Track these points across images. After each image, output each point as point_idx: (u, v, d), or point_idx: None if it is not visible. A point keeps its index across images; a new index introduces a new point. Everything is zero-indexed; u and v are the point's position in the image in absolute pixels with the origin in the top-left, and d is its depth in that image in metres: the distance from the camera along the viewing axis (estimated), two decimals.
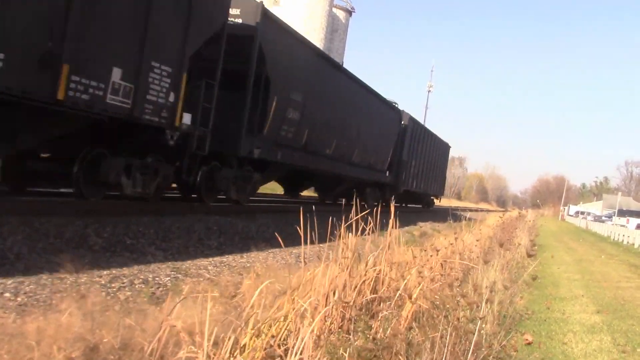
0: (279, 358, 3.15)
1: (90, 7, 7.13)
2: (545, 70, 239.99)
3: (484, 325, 4.95)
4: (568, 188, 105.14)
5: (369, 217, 5.11)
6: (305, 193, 23.75)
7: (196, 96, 9.85)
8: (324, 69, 15.79)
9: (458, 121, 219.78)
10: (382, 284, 4.98)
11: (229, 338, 3.13)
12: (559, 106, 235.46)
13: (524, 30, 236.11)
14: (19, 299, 4.76)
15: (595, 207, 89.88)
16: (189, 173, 10.51)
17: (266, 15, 11.87)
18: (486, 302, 5.24)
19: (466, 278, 7.70)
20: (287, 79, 13.06)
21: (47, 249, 6.30)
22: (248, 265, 7.82)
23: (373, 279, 4.89)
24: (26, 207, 7.69)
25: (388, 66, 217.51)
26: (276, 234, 4.30)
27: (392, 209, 5.46)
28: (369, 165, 21.17)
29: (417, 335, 4.29)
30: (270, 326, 3.56)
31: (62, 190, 9.64)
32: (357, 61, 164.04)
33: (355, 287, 4.60)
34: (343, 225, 4.73)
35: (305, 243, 4.14)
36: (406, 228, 17.22)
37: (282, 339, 3.53)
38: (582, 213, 76.42)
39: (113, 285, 5.60)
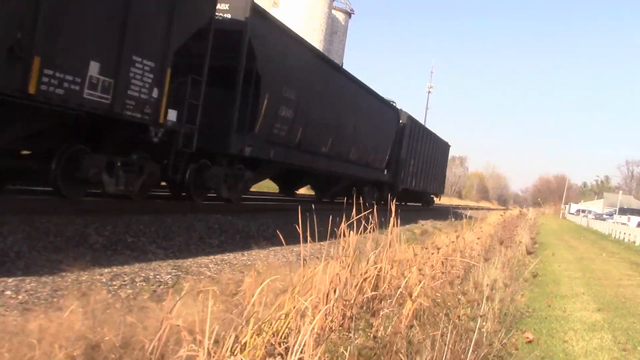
0: (280, 356, 3.15)
1: None
2: (545, 70, 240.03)
3: (484, 323, 4.95)
4: (569, 187, 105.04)
5: (370, 216, 5.10)
6: (302, 191, 23.76)
7: (183, 92, 9.66)
8: (318, 67, 15.59)
9: (458, 121, 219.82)
10: (383, 281, 4.98)
11: (230, 336, 3.12)
12: (559, 106, 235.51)
13: (524, 30, 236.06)
14: (20, 296, 4.76)
15: (596, 206, 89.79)
16: (176, 171, 10.28)
17: (256, 10, 11.70)
18: (487, 300, 5.25)
19: (467, 276, 7.70)
20: (279, 76, 12.85)
21: (48, 247, 6.30)
22: (249, 263, 7.82)
23: (374, 277, 4.89)
24: (27, 206, 7.69)
25: (388, 67, 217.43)
26: (278, 231, 4.30)
27: (393, 207, 5.46)
28: (367, 163, 21.10)
29: (417, 333, 4.29)
30: (271, 324, 3.56)
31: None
32: (356, 62, 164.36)
33: (356, 285, 4.60)
34: (344, 224, 4.73)
35: (305, 241, 4.14)
36: (407, 226, 17.22)
37: (283, 337, 3.53)
38: (583, 211, 76.36)
39: (114, 283, 5.60)
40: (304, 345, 3.08)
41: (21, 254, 5.86)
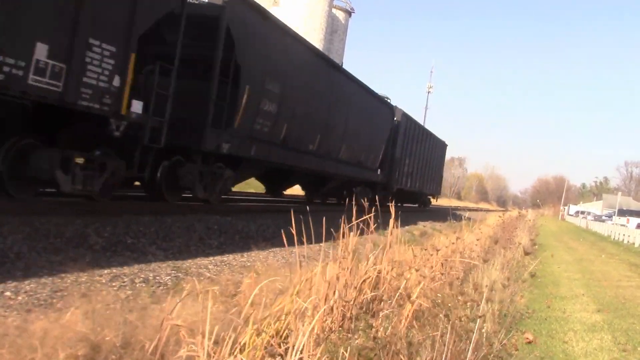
0: (280, 357, 3.15)
1: None
2: (545, 70, 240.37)
3: (484, 324, 4.95)
4: (568, 188, 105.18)
5: (369, 217, 5.10)
6: (294, 192, 23.16)
7: (151, 82, 8.90)
8: (305, 58, 14.44)
9: (458, 121, 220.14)
10: (383, 283, 4.98)
11: (229, 337, 3.13)
12: (559, 106, 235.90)
13: (524, 30, 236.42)
14: (19, 297, 4.76)
15: (595, 207, 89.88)
16: (142, 168, 9.31)
17: None
18: (486, 301, 5.25)
19: (467, 277, 7.70)
20: (260, 67, 11.82)
21: (47, 248, 6.29)
22: (249, 264, 7.82)
23: (374, 278, 4.90)
24: (26, 207, 7.68)
25: (388, 66, 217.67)
26: (282, 232, 4.28)
27: (393, 208, 5.46)
28: (359, 162, 20.07)
29: (417, 334, 4.29)
30: (270, 325, 3.56)
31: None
32: (356, 62, 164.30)
33: (356, 286, 4.61)
34: (343, 225, 4.73)
35: (302, 243, 4.13)
36: (406, 227, 17.22)
37: (282, 338, 3.54)
38: (582, 213, 76.44)
39: (114, 284, 5.59)
40: (303, 346, 3.08)
41: (21, 255, 5.86)
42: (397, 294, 4.77)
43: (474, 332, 4.09)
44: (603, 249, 24.63)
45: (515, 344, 5.52)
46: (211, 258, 7.87)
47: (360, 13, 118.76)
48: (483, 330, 4.81)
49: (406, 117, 25.23)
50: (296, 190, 22.61)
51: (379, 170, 22.83)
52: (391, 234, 5.53)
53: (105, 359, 3.35)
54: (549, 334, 6.58)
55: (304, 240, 4.33)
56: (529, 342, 5.93)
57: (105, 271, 5.97)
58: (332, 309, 4.24)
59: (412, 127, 26.77)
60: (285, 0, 49.40)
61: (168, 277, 6.32)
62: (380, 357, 3.68)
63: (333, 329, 4.13)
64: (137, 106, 8.36)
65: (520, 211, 41.68)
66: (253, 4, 11.58)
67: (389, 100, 23.28)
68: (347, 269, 4.56)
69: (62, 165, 7.65)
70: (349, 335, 4.03)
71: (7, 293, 4.79)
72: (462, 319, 4.40)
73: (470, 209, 50.20)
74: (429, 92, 74.26)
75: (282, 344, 3.36)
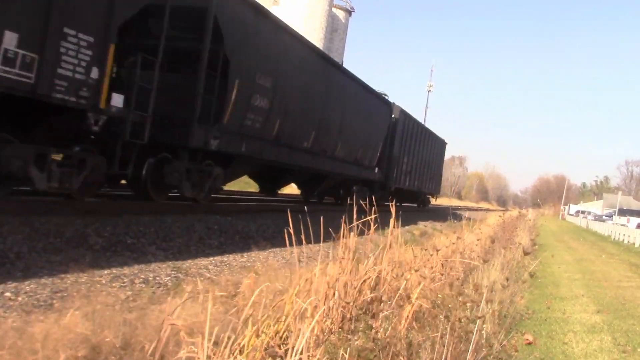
0: (280, 358, 3.15)
1: None
2: (545, 70, 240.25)
3: (484, 325, 4.95)
4: (568, 187, 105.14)
5: (369, 216, 5.10)
6: (293, 191, 22.69)
7: (133, 75, 8.56)
8: (299, 53, 13.89)
9: (458, 121, 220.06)
10: (383, 283, 4.98)
11: (229, 338, 3.13)
12: (559, 106, 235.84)
13: (524, 30, 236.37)
14: (19, 298, 4.76)
15: (596, 207, 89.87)
16: (124, 165, 8.88)
17: None
18: (486, 302, 5.25)
19: (467, 278, 7.70)
20: (251, 61, 11.35)
21: (47, 248, 6.30)
22: (249, 264, 7.83)
23: (373, 279, 4.89)
24: (26, 207, 7.68)
25: (388, 66, 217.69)
26: (284, 232, 4.28)
27: (393, 208, 5.46)
28: (355, 160, 19.50)
29: (417, 335, 4.29)
30: (270, 326, 3.56)
31: None
32: (357, 61, 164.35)
33: (356, 286, 4.61)
34: (344, 225, 4.73)
35: (301, 243, 4.13)
36: (406, 227, 17.22)
37: (282, 339, 3.53)
38: (583, 212, 76.44)
39: (114, 284, 5.60)
40: (303, 347, 3.08)
41: (21, 255, 5.86)
42: (397, 295, 4.77)
43: (473, 333, 4.09)
44: (603, 249, 24.63)
45: (515, 345, 5.52)
46: (211, 258, 7.88)
47: (361, 12, 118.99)
48: (483, 332, 4.81)
49: (404, 115, 24.67)
50: (294, 190, 22.40)
51: (376, 168, 22.29)
52: (391, 234, 5.52)
53: None
54: (549, 335, 6.59)
55: (303, 240, 4.33)
56: (529, 343, 5.94)
57: (105, 271, 5.97)
58: (331, 309, 4.24)
59: (411, 124, 26.14)
60: None
61: (168, 278, 6.33)
62: (380, 358, 3.68)
63: (333, 330, 4.13)
64: (117, 100, 8.02)
65: (520, 211, 41.71)
66: None
67: (386, 97, 22.63)
68: (348, 269, 4.56)
69: (36, 162, 7.29)
70: (349, 336, 4.03)
71: (7, 294, 4.79)
72: (462, 320, 4.40)
73: (470, 209, 50.20)
74: (429, 91, 74.21)
75: (281, 345, 3.36)
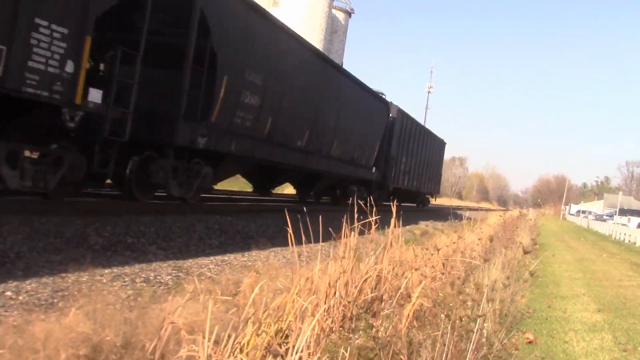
0: (280, 357, 3.15)
1: None
2: (545, 70, 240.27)
3: (485, 324, 4.95)
4: (569, 187, 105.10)
5: (370, 216, 5.10)
6: (291, 191, 22.25)
7: (112, 69, 8.25)
8: (292, 49, 13.40)
9: (458, 121, 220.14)
10: (384, 282, 4.98)
11: (230, 337, 3.13)
12: (559, 106, 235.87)
13: (524, 30, 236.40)
14: (20, 297, 4.76)
15: (597, 207, 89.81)
16: (104, 164, 8.47)
17: None
18: (487, 301, 5.25)
19: (468, 277, 7.70)
20: (240, 56, 10.96)
21: (48, 248, 6.30)
22: (249, 264, 7.83)
23: (374, 278, 4.89)
24: (26, 207, 7.68)
25: (388, 66, 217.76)
26: (288, 230, 4.28)
27: (394, 208, 5.46)
28: (352, 160, 19.14)
29: (418, 333, 4.29)
30: (271, 325, 3.56)
31: None
32: (357, 62, 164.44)
33: (357, 285, 4.61)
34: (345, 225, 4.73)
35: (300, 243, 4.13)
36: (407, 227, 17.22)
37: (283, 338, 3.54)
38: (584, 212, 76.40)
39: (114, 284, 5.60)
40: (303, 346, 3.08)
41: (21, 255, 5.87)
42: (398, 294, 4.77)
43: (474, 332, 4.09)
44: (604, 248, 24.62)
45: (515, 343, 5.52)
46: (212, 258, 7.88)
47: (360, 13, 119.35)
48: (483, 330, 4.81)
49: (402, 114, 24.35)
50: (291, 189, 22.20)
51: (374, 168, 21.93)
52: (392, 233, 5.52)
53: (106, 359, 3.36)
54: (550, 333, 6.58)
55: (302, 239, 4.33)
56: (530, 342, 5.93)
57: (106, 271, 5.98)
58: (332, 308, 4.24)
59: (409, 124, 25.93)
60: (285, 0, 49.40)
61: (169, 277, 6.33)
62: (380, 357, 3.68)
63: (333, 328, 4.13)
64: (95, 95, 7.66)
65: (521, 210, 41.71)
66: None
67: (383, 96, 22.37)
68: (349, 268, 4.56)
69: (8, 160, 7.01)
70: (350, 335, 4.03)
71: (8, 293, 4.80)
72: (463, 319, 4.40)
73: (471, 209, 50.14)
74: (429, 92, 74.24)
75: (282, 344, 3.36)
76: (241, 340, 3.25)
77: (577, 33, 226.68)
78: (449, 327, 3.99)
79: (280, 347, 3.26)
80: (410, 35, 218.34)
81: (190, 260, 7.46)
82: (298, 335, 3.17)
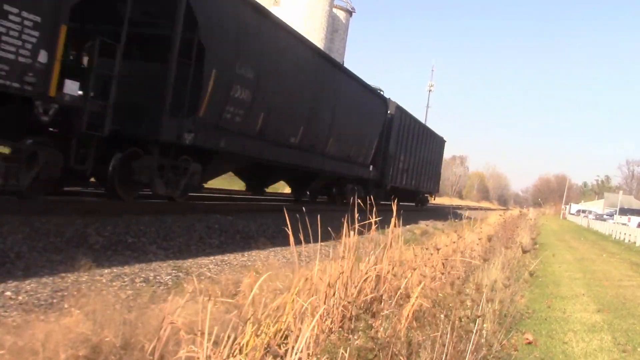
0: (280, 358, 3.15)
1: None
2: (545, 70, 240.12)
3: (484, 325, 4.95)
4: (569, 187, 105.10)
5: (370, 215, 5.10)
6: (288, 190, 21.58)
7: (91, 60, 7.90)
8: (285, 43, 12.85)
9: (459, 120, 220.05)
10: (383, 282, 4.98)
11: (229, 337, 3.13)
12: (560, 106, 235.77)
13: (524, 30, 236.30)
14: (20, 297, 4.77)
15: (597, 206, 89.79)
16: (82, 160, 8.00)
17: None
18: (486, 301, 5.25)
19: (468, 277, 7.70)
20: (230, 49, 10.51)
21: (48, 248, 6.31)
22: (249, 263, 7.84)
23: (374, 278, 4.89)
24: (26, 207, 7.68)
25: (388, 66, 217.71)
26: (285, 230, 4.28)
27: (395, 207, 5.46)
28: (348, 157, 18.57)
29: (417, 334, 4.29)
30: (270, 325, 3.56)
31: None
32: (357, 61, 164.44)
33: (356, 285, 4.61)
34: (345, 224, 4.73)
35: (300, 243, 4.13)
36: (407, 227, 17.22)
37: (282, 338, 3.54)
38: (584, 211, 76.40)
39: (114, 284, 5.61)
40: (302, 347, 3.08)
41: (21, 255, 5.87)
42: (398, 294, 4.77)
43: (473, 333, 4.09)
44: (604, 248, 24.61)
45: (515, 344, 5.51)
46: (212, 257, 7.89)
47: (361, 13, 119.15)
48: (483, 331, 4.81)
49: (400, 111, 23.65)
50: (288, 188, 21.71)
51: (371, 166, 21.34)
52: (392, 233, 5.52)
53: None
54: (549, 334, 6.58)
55: (302, 239, 4.33)
56: (529, 343, 5.93)
57: (106, 271, 5.98)
58: (332, 308, 4.24)
59: (408, 121, 25.23)
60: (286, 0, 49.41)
61: (168, 277, 6.33)
62: (379, 357, 3.68)
63: (333, 329, 4.13)
64: (71, 87, 7.27)
65: (521, 210, 41.70)
66: None
67: (381, 92, 21.68)
68: (348, 268, 4.56)
69: None
70: (349, 335, 4.03)
71: (8, 293, 4.80)
72: (462, 319, 4.40)
73: (471, 208, 50.18)
74: (430, 91, 74.16)
75: (281, 345, 3.37)
76: (240, 341, 3.25)
77: (577, 33, 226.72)
78: (449, 328, 3.99)
79: (280, 348, 3.26)
80: (410, 34, 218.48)
81: (190, 260, 7.46)
82: (297, 336, 3.17)
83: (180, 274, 6.56)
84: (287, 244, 4.92)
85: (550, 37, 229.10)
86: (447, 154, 38.84)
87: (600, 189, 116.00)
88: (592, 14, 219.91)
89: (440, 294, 5.41)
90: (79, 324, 3.63)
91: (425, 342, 4.00)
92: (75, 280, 5.41)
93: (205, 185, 13.29)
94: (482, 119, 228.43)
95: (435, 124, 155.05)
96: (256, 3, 11.62)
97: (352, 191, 20.01)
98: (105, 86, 8.11)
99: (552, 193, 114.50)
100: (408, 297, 4.57)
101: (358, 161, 19.78)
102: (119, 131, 8.41)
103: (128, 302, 4.99)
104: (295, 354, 3.07)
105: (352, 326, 4.17)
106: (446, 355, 3.78)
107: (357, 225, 4.79)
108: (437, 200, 39.32)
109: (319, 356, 3.28)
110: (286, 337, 3.53)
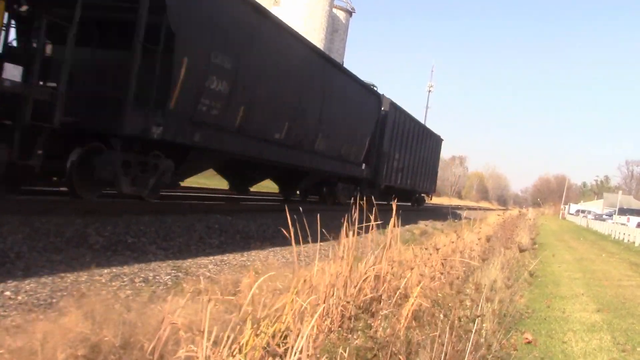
0: (279, 358, 3.15)
1: None
2: (545, 70, 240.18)
3: (483, 324, 4.96)
4: (569, 187, 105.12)
5: (370, 215, 5.11)
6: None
7: (38, 43, 7.26)
8: (268, 32, 11.90)
9: (458, 121, 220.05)
10: (383, 282, 4.99)
11: (229, 337, 3.13)
12: (559, 106, 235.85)
13: (524, 30, 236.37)
14: (19, 297, 4.77)
15: (596, 206, 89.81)
16: (28, 154, 7.10)
17: None
18: (486, 301, 5.25)
19: (467, 277, 7.71)
20: (204, 37, 9.67)
21: (48, 248, 6.31)
22: (249, 263, 7.84)
23: (373, 278, 4.90)
24: (26, 207, 7.69)
25: (388, 66, 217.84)
26: (285, 231, 4.29)
27: (394, 207, 5.46)
28: (339, 155, 17.69)
29: (416, 334, 4.30)
30: (269, 325, 3.56)
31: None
32: (357, 61, 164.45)
33: (356, 285, 4.61)
34: (345, 224, 4.73)
35: (299, 243, 4.13)
36: (406, 227, 17.22)
37: (282, 338, 3.54)
38: (583, 212, 76.41)
39: (114, 283, 5.61)
40: (302, 346, 3.08)
41: (21, 255, 5.88)
42: (397, 294, 4.78)
43: (472, 332, 4.10)
44: (603, 248, 24.63)
45: (514, 344, 5.52)
46: (211, 257, 7.89)
47: (361, 13, 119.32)
48: (482, 331, 4.82)
49: (395, 107, 22.72)
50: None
51: (363, 165, 20.33)
52: (391, 233, 5.53)
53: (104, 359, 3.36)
54: (548, 334, 6.59)
55: (300, 239, 4.34)
56: (528, 342, 5.94)
57: (106, 271, 5.98)
58: (331, 308, 4.25)
59: (402, 118, 24.24)
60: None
61: (168, 277, 6.34)
62: (379, 357, 3.69)
63: (332, 329, 4.14)
64: (12, 71, 6.56)
65: (520, 210, 41.71)
66: None
67: (375, 88, 20.75)
68: (347, 268, 4.57)
69: None
70: (348, 335, 4.03)
71: (7, 293, 4.80)
72: (461, 319, 4.41)
73: (471, 208, 50.15)
74: (429, 91, 74.17)
75: (281, 345, 3.37)
76: (240, 341, 3.26)
77: (577, 33, 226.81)
78: (448, 328, 4.00)
79: (279, 348, 3.26)
80: (410, 34, 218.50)
81: (190, 260, 7.47)
82: (297, 336, 3.17)
83: (180, 274, 6.56)
84: (287, 244, 4.93)
85: (550, 37, 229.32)
86: (447, 154, 39.02)
87: (600, 189, 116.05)
88: (592, 14, 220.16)
89: (439, 294, 5.42)
90: (78, 324, 3.63)
91: (425, 342, 4.01)
92: (74, 280, 5.41)
93: (205, 186, 13.19)
94: (482, 119, 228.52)
95: (434, 124, 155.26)
96: None
97: (343, 190, 19.44)
98: (55, 73, 7.40)
99: (552, 193, 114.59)
100: (407, 296, 4.57)
101: (350, 159, 18.96)
102: (78, 123, 7.80)
103: (127, 302, 4.99)
104: (295, 353, 3.07)
105: (352, 326, 4.18)
106: (445, 355, 3.78)
107: (357, 227, 4.79)
108: (436, 201, 39.11)
109: (318, 356, 3.28)
110: (285, 337, 3.53)
